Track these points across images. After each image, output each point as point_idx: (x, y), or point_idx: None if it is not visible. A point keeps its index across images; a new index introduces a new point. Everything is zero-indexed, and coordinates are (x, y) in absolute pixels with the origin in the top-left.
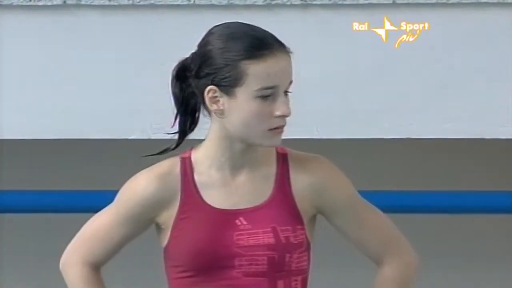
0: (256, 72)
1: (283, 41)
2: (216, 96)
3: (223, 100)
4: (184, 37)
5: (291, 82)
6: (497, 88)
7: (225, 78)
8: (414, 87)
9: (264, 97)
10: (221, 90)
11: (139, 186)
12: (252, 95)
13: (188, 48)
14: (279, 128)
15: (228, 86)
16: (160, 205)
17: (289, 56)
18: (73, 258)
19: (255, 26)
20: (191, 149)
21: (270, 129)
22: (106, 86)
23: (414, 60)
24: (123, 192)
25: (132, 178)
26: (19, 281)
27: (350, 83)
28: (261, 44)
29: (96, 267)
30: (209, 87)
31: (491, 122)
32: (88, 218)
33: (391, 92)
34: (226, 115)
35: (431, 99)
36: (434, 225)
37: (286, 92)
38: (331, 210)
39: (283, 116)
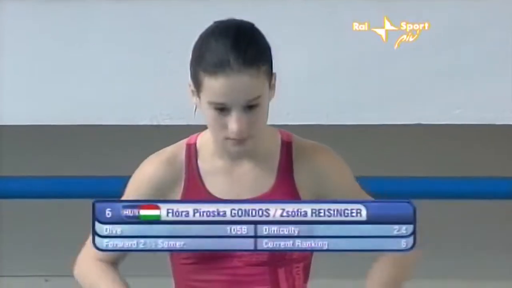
0: (208, 86)
1: (290, 30)
2: (193, 90)
3: (196, 96)
4: (191, 25)
5: (255, 98)
6: (506, 74)
7: (193, 78)
8: (423, 74)
9: (217, 110)
10: (194, 87)
11: (146, 172)
12: (207, 105)
13: (195, 37)
14: (235, 140)
15: (195, 88)
16: (166, 189)
17: (251, 75)
18: (86, 258)
19: (238, 33)
20: (197, 135)
21: (228, 138)
22: (115, 73)
23: (423, 47)
24: (132, 179)
25: (140, 165)
26: (20, 267)
27: (360, 71)
28: (217, 61)
29: (113, 263)
30: (189, 80)
31: (500, 108)
32: None
33: (400, 79)
34: (203, 113)
35: (440, 85)
36: (442, 211)
37: (250, 107)
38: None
39: (234, 132)
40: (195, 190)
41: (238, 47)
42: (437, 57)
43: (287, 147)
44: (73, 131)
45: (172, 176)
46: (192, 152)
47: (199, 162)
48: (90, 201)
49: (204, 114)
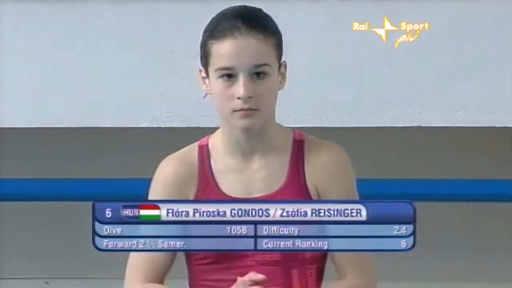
0: (216, 52)
1: (292, 27)
2: (204, 77)
3: (207, 80)
4: (193, 26)
5: (261, 65)
6: (507, 77)
7: (202, 57)
8: (424, 76)
9: (224, 78)
10: (204, 70)
11: (161, 172)
12: (215, 75)
13: (197, 37)
14: (243, 110)
15: (205, 65)
16: (181, 188)
17: (258, 39)
18: (133, 284)
19: (245, 9)
20: (208, 137)
21: (235, 111)
22: (116, 75)
23: (424, 48)
24: (154, 184)
25: (157, 170)
26: (20, 270)
27: (361, 72)
28: (225, 25)
29: (160, 281)
30: (199, 67)
31: (501, 111)
32: None
33: (401, 81)
34: (212, 95)
35: (441, 87)
36: (442, 213)
37: (257, 76)
38: (322, 195)
39: (241, 98)
40: (208, 190)
41: (246, 16)
42: (437, 59)
43: (298, 145)
44: (73, 133)
45: (188, 175)
46: (204, 153)
47: (211, 162)
48: (90, 204)
49: (213, 93)
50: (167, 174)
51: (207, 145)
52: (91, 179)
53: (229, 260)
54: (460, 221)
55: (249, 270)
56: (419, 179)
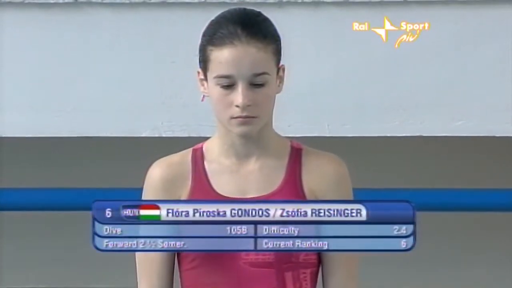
0: (215, 58)
1: (293, 35)
2: (202, 79)
3: (205, 83)
4: (195, 35)
5: (261, 74)
6: (508, 86)
7: (201, 61)
8: (425, 86)
9: (223, 86)
10: (203, 73)
11: (152, 174)
12: (214, 81)
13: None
14: (241, 118)
15: (203, 69)
16: (173, 191)
17: (258, 48)
18: None
19: (246, 14)
20: (203, 142)
21: (233, 118)
22: (117, 84)
23: (425, 58)
24: (145, 189)
25: (148, 172)
26: (20, 279)
27: (362, 81)
28: (224, 32)
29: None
30: (198, 69)
31: (501, 120)
32: None
33: (402, 91)
34: (210, 99)
35: (442, 97)
36: (442, 222)
37: (256, 84)
38: None
39: (239, 107)
40: (201, 189)
41: (246, 22)
42: (438, 69)
43: (296, 152)
44: (73, 143)
45: (179, 176)
46: (198, 155)
47: (205, 163)
48: (90, 213)
49: (211, 98)
50: (154, 178)
51: (201, 148)
52: (91, 188)
53: (221, 262)
54: (460, 229)
55: (242, 272)
56: (420, 188)
